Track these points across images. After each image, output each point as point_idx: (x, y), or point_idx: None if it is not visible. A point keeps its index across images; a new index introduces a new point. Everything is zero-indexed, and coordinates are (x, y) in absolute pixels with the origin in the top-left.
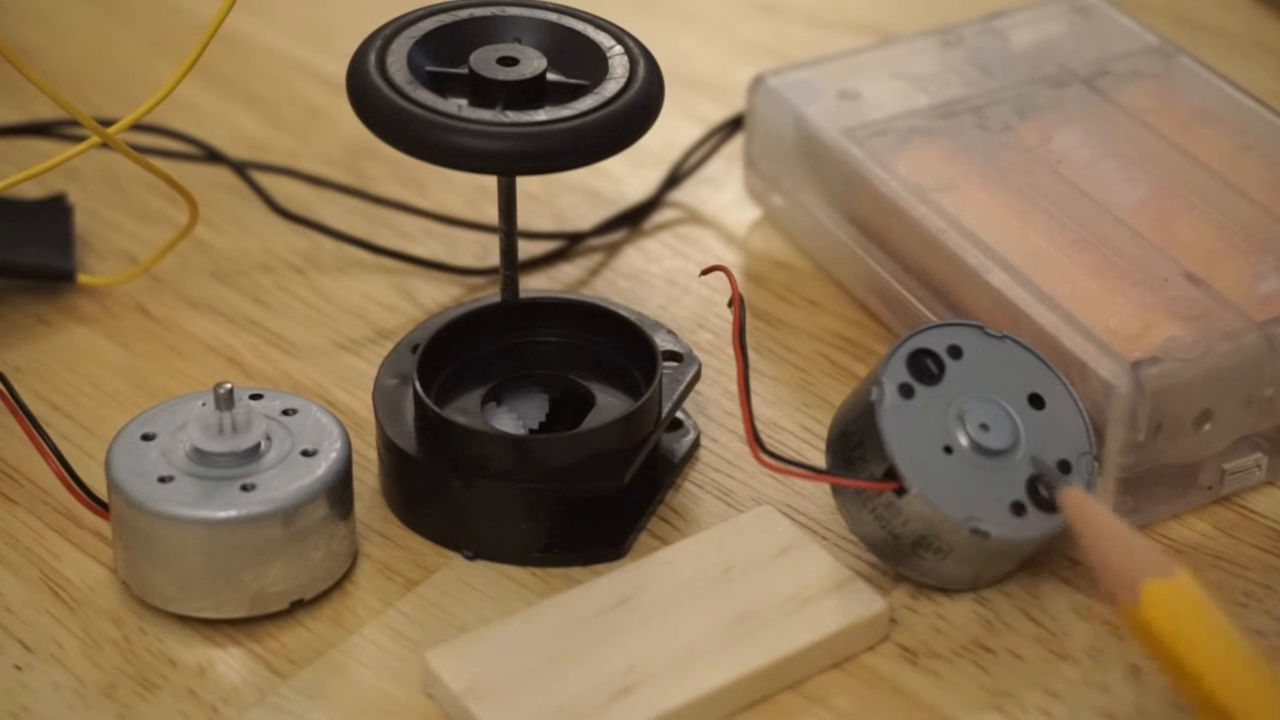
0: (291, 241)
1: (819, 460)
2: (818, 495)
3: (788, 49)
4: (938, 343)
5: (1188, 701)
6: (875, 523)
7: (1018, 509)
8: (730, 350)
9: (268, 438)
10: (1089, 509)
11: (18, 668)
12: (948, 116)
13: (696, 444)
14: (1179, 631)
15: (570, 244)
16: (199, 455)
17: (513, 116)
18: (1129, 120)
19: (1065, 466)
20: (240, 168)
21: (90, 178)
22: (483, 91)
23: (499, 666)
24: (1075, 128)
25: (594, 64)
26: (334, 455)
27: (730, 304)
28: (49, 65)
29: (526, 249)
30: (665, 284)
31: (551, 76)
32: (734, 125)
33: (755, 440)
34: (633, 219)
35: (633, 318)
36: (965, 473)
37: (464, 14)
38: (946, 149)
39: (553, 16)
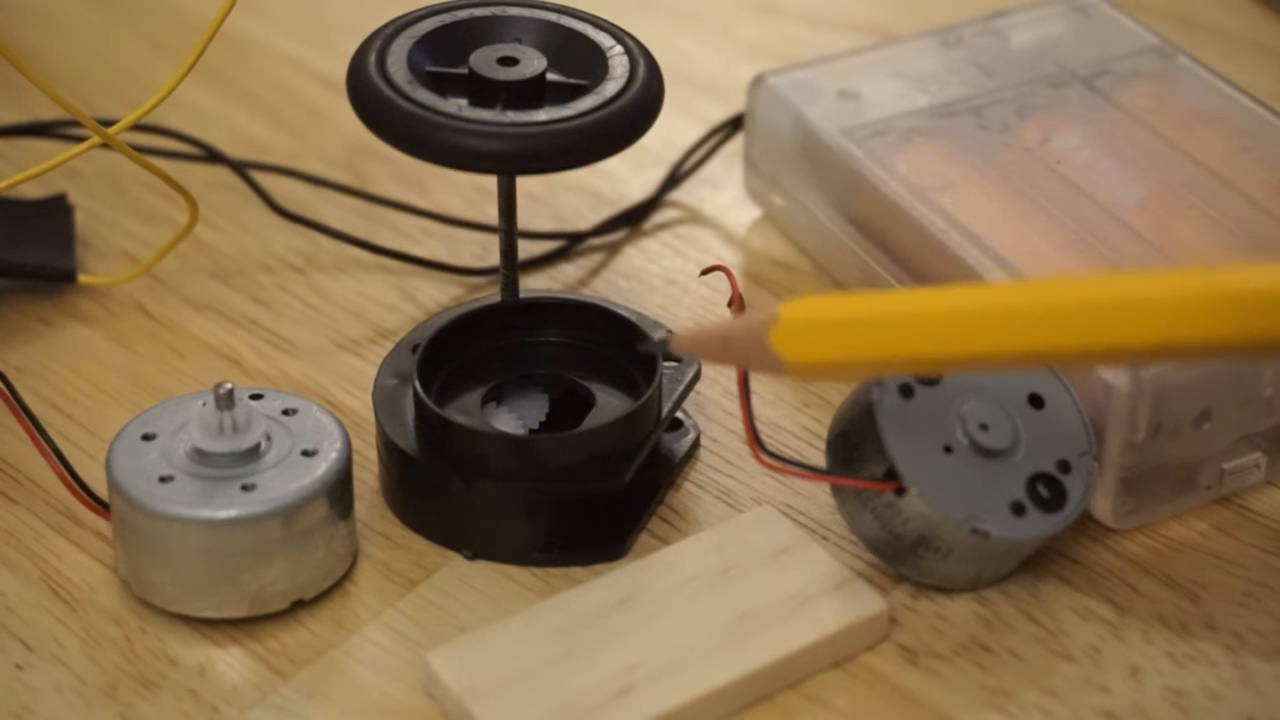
0: (291, 241)
1: (819, 460)
2: (818, 495)
3: (788, 49)
4: None
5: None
6: (875, 523)
7: (1018, 509)
8: None
9: (268, 438)
10: (693, 333)
11: (18, 667)
12: (948, 116)
13: (696, 444)
14: (838, 334)
15: (570, 244)
16: (199, 455)
17: (513, 116)
18: (1129, 120)
19: (1065, 466)
20: (240, 168)
21: (90, 178)
22: (483, 91)
23: (499, 666)
24: (1075, 128)
25: (594, 64)
26: (334, 455)
27: (730, 304)
28: (49, 65)
29: (526, 249)
30: (665, 284)
31: (551, 76)
32: (734, 125)
33: (755, 440)
34: (633, 219)
35: (633, 318)
36: (965, 473)
37: (464, 14)
38: (946, 149)
39: (553, 16)
